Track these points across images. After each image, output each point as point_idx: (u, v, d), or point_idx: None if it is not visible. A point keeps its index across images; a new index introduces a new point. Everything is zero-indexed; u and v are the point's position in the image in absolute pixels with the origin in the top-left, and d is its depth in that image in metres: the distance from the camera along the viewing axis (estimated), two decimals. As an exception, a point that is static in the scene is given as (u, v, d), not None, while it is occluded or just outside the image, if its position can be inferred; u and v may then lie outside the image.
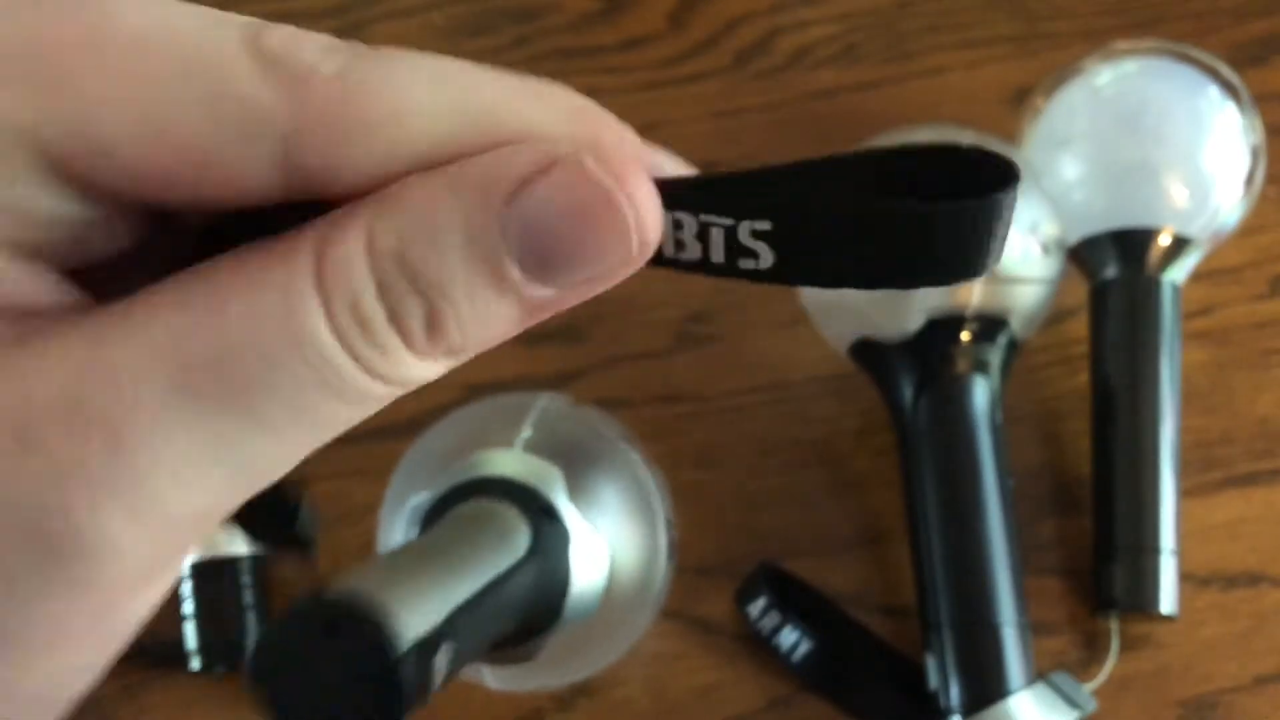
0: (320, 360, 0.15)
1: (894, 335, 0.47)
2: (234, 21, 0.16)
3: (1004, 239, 0.16)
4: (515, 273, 0.16)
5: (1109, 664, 0.48)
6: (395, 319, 0.16)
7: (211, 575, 0.48)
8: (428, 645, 0.32)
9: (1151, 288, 0.49)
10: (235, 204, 0.17)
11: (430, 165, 0.17)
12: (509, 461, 0.43)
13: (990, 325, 0.47)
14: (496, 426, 0.45)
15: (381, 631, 0.30)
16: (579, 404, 0.47)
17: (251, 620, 0.48)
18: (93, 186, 0.16)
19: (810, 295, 0.50)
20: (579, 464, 0.44)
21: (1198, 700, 0.48)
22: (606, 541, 0.43)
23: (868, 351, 0.49)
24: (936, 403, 0.47)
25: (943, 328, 0.47)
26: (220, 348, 0.15)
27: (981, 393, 0.47)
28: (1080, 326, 0.51)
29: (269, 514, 0.24)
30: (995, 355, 0.47)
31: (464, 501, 0.41)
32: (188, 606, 0.48)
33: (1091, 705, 0.46)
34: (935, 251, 0.16)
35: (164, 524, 0.15)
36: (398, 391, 0.17)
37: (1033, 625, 0.46)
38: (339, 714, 0.30)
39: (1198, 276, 0.51)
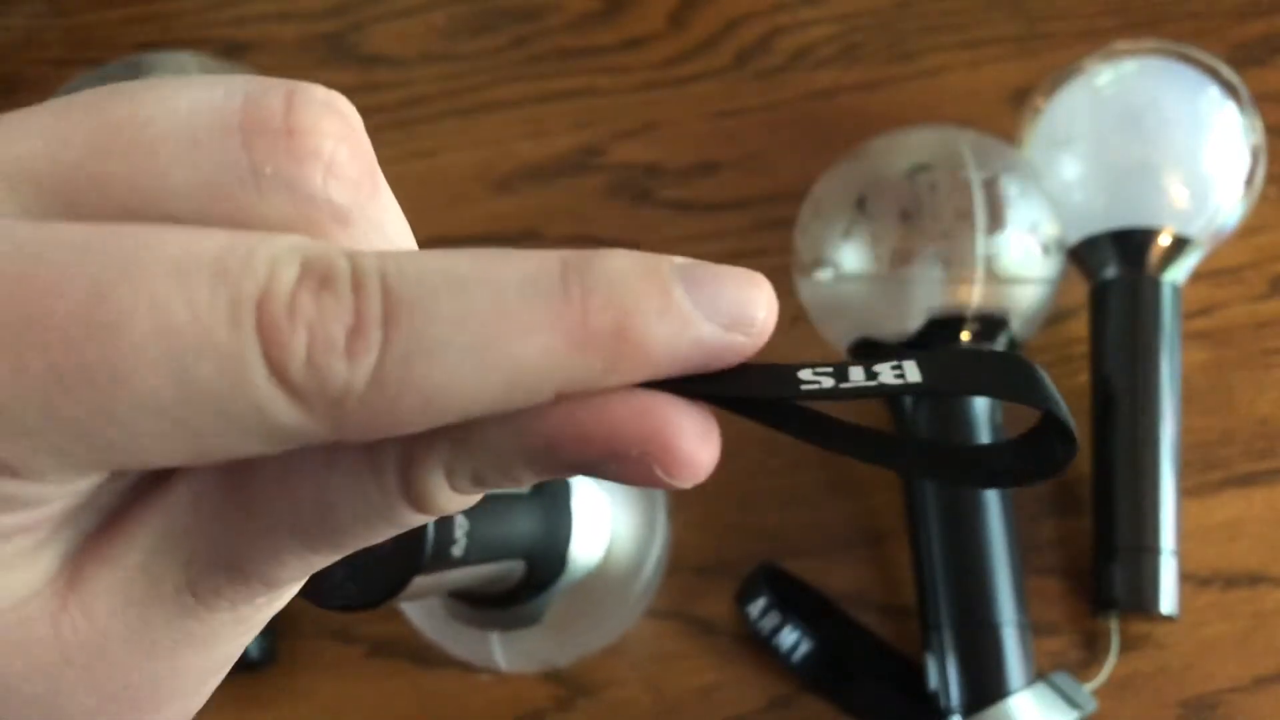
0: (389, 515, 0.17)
1: (894, 335, 0.47)
2: (251, 356, 0.14)
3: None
4: None
5: (1109, 664, 0.48)
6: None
7: (211, 575, 0.48)
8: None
9: (1151, 288, 0.49)
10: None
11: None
12: None
13: (990, 325, 0.47)
14: None
15: None
16: None
17: (251, 620, 0.48)
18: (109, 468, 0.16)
19: (810, 295, 0.50)
20: None
21: (1198, 700, 0.48)
22: (607, 501, 0.44)
23: (868, 351, 0.49)
24: (936, 403, 0.47)
25: (943, 328, 0.47)
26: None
27: (981, 393, 0.47)
28: (1080, 326, 0.51)
29: None
30: (995, 355, 0.47)
31: None
32: (188, 606, 0.48)
33: (1091, 705, 0.46)
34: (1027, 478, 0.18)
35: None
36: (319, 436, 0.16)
37: (1033, 625, 0.46)
38: (363, 569, 0.33)
39: (1198, 276, 0.51)
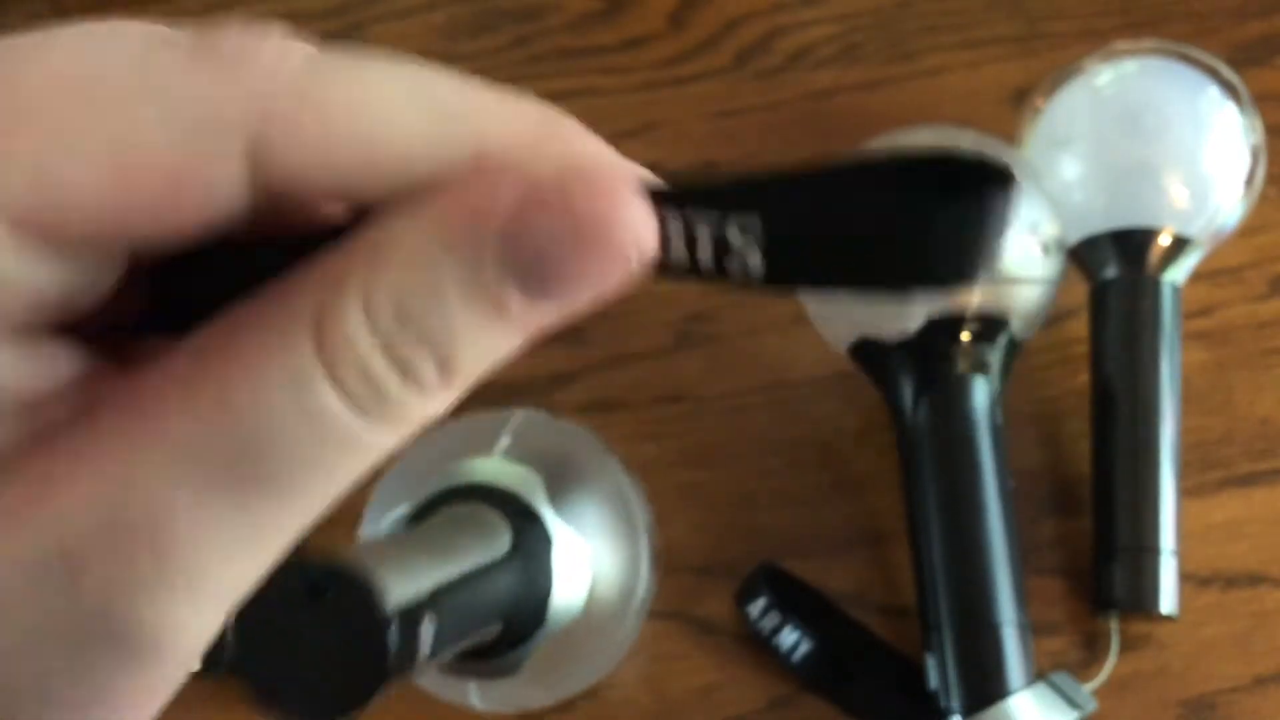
0: (338, 429, 0.16)
1: (894, 335, 0.47)
2: (181, 33, 0.16)
3: (998, 243, 0.16)
4: (517, 302, 0.16)
5: (1109, 664, 0.48)
6: (408, 373, 0.16)
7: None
8: (413, 613, 0.31)
9: (1151, 288, 0.49)
10: (209, 229, 0.16)
11: (403, 174, 0.16)
12: (489, 468, 0.43)
13: (990, 325, 0.47)
14: (475, 439, 0.44)
15: (369, 593, 0.30)
16: (558, 416, 0.47)
17: (251, 620, 0.48)
18: (63, 238, 0.16)
19: (810, 295, 0.50)
20: (559, 473, 0.44)
21: (1198, 700, 0.48)
22: (588, 548, 0.43)
23: (868, 351, 0.49)
24: (936, 403, 0.47)
25: (943, 328, 0.47)
26: (239, 444, 0.16)
27: (981, 393, 0.47)
28: (1080, 326, 0.51)
29: None
30: (995, 355, 0.47)
31: (444, 506, 0.41)
32: (188, 607, 0.48)
33: (1091, 705, 0.46)
34: (927, 249, 0.16)
35: (218, 599, 0.17)
36: (407, 435, 0.17)
37: (1033, 625, 0.46)
38: (322, 680, 0.30)
39: (1198, 276, 0.51)
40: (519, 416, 0.45)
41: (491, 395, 0.53)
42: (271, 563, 0.17)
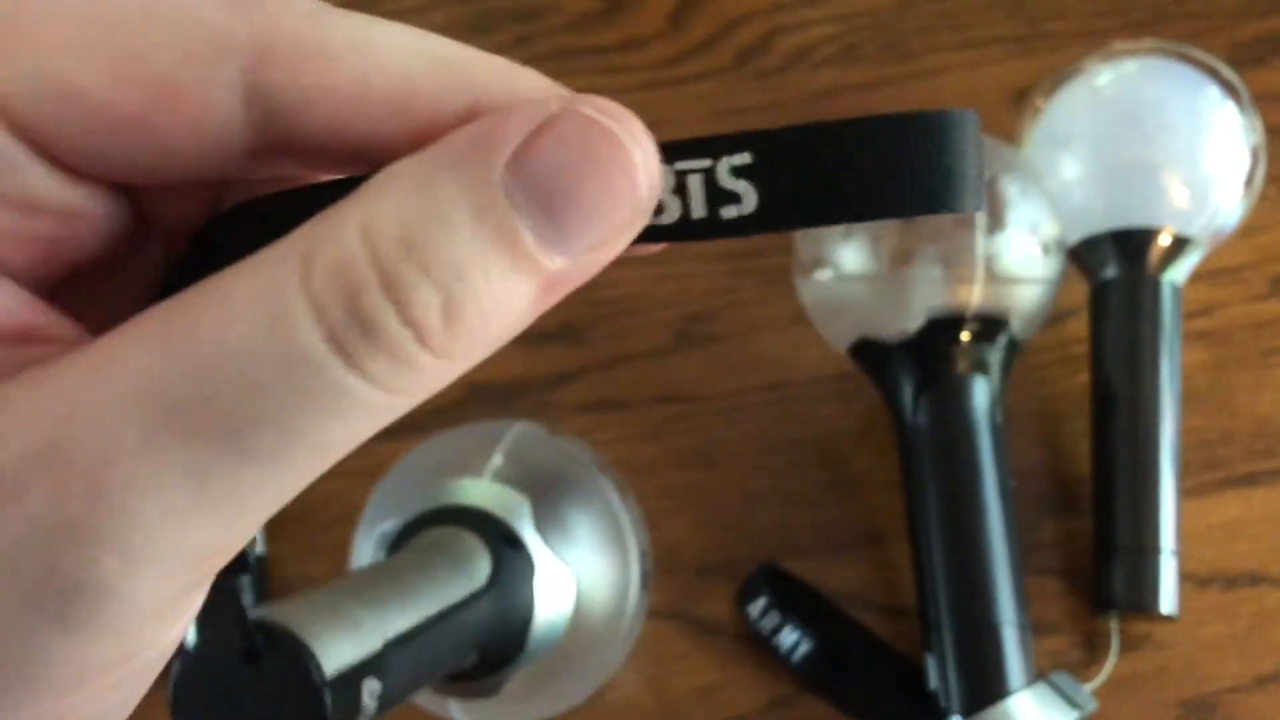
0: (314, 378, 0.14)
1: (894, 335, 0.47)
2: None
3: (979, 171, 0.17)
4: (529, 240, 0.15)
5: (1109, 664, 0.48)
6: (408, 312, 0.14)
7: (211, 575, 0.48)
8: (353, 675, 0.30)
9: (1151, 288, 0.49)
10: (206, 159, 0.16)
11: (401, 116, 0.16)
12: (476, 490, 0.43)
13: (990, 325, 0.47)
14: (470, 454, 0.44)
15: (305, 658, 0.29)
16: (555, 432, 0.47)
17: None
18: (64, 155, 0.16)
19: (810, 295, 0.50)
20: (550, 494, 0.44)
21: (1198, 700, 0.48)
22: (573, 573, 0.43)
23: (868, 351, 0.49)
24: (936, 403, 0.47)
25: (943, 328, 0.47)
26: (198, 379, 0.14)
27: (981, 393, 0.47)
28: (1080, 326, 0.51)
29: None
30: (995, 355, 0.47)
31: (428, 529, 0.41)
32: (188, 607, 0.48)
33: (1091, 705, 0.46)
34: (914, 169, 0.16)
35: (163, 565, 0.14)
36: (406, 403, 0.15)
37: (1033, 625, 0.46)
38: None
39: (1198, 276, 0.51)
40: (515, 431, 0.45)
41: (492, 395, 0.53)
42: (236, 536, 0.15)
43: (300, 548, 0.50)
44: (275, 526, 0.50)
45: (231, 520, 0.15)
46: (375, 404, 0.15)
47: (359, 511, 0.50)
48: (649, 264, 0.53)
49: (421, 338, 0.14)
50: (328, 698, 0.29)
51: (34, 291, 0.16)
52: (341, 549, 0.50)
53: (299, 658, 0.29)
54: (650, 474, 0.47)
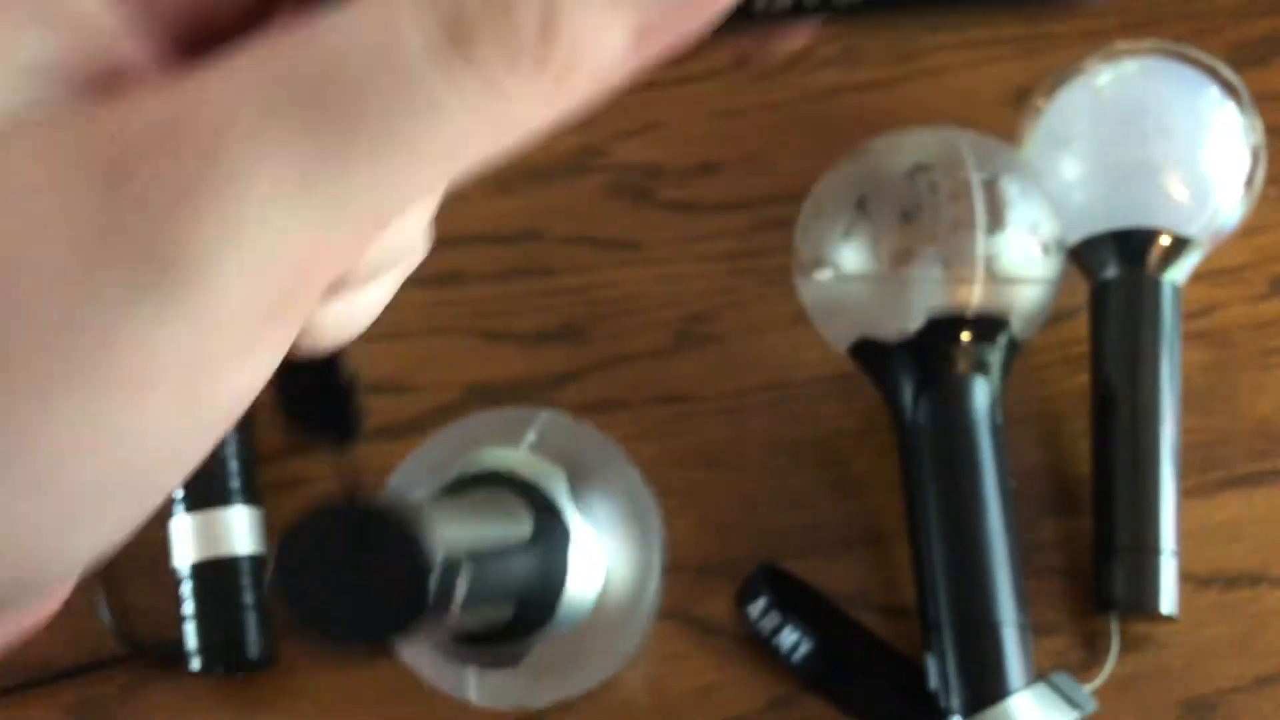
0: (414, 86, 0.14)
1: (894, 335, 0.47)
2: None
3: None
4: None
5: (1109, 664, 0.48)
6: (506, 19, 0.14)
7: (211, 575, 0.48)
8: (452, 561, 0.32)
9: (1151, 288, 0.49)
10: None
11: None
12: (515, 458, 0.43)
13: (990, 325, 0.47)
14: (500, 432, 0.45)
15: (417, 532, 0.31)
16: (579, 420, 0.47)
17: (251, 620, 0.48)
18: None
19: (810, 295, 0.50)
20: (581, 473, 0.44)
21: (1198, 700, 0.48)
22: (604, 549, 0.43)
23: (868, 351, 0.49)
24: (936, 403, 0.47)
25: (943, 328, 0.47)
26: (310, 70, 0.14)
27: (981, 393, 0.47)
28: (1080, 326, 0.51)
29: (317, 394, 0.23)
30: (995, 355, 0.47)
31: (472, 489, 0.42)
32: (188, 606, 0.48)
33: (1091, 705, 0.46)
34: None
35: (260, 249, 0.14)
36: (493, 134, 0.15)
37: (1033, 625, 0.46)
38: (363, 610, 0.31)
39: (1198, 276, 0.51)
40: (545, 416, 0.46)
41: (492, 395, 0.53)
42: (335, 243, 0.15)
43: (300, 548, 0.50)
44: (275, 526, 0.50)
45: (331, 220, 0.15)
46: (464, 126, 0.15)
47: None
48: (649, 264, 0.53)
49: (512, 55, 0.14)
50: (435, 572, 0.31)
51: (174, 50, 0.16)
52: (342, 549, 0.50)
53: (410, 535, 0.31)
54: (650, 474, 0.47)
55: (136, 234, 0.14)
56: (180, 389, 0.15)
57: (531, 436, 0.45)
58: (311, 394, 0.23)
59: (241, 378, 0.16)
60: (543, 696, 0.45)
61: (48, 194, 0.14)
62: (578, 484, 0.43)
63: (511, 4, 0.14)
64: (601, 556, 0.43)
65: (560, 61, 0.15)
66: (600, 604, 0.43)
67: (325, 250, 0.15)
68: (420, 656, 0.44)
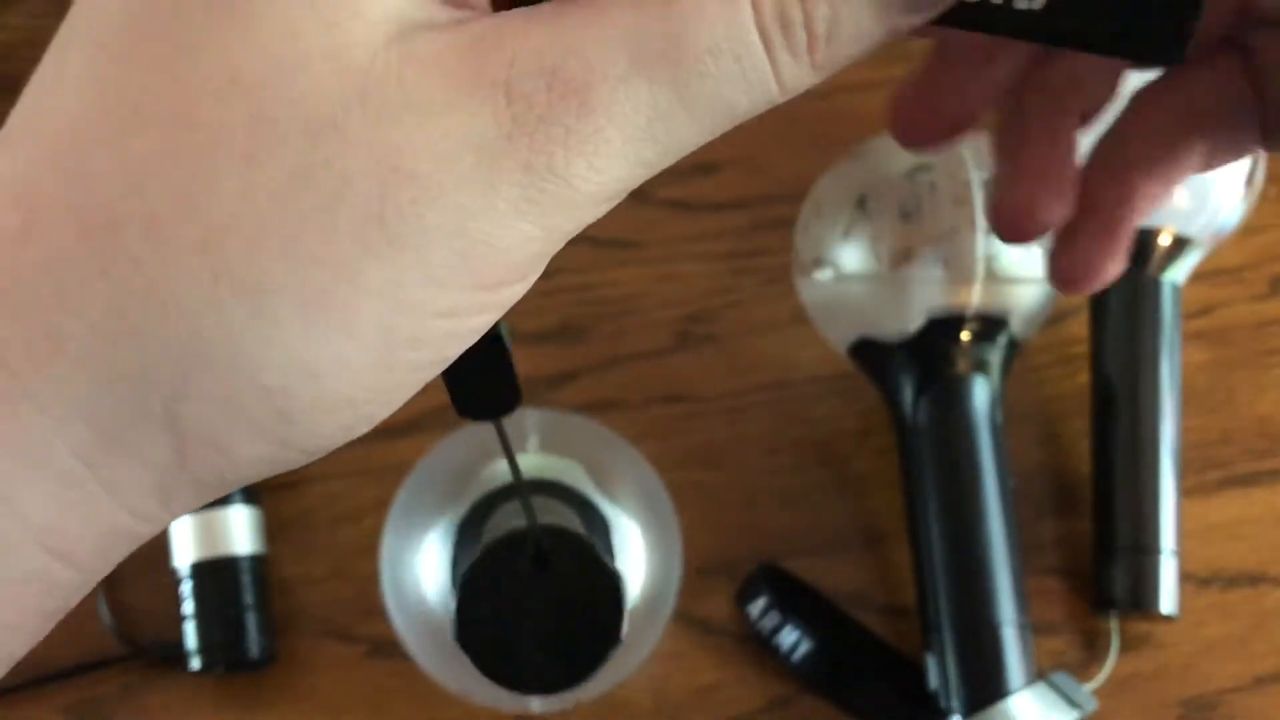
0: (747, 56, 0.18)
1: (894, 335, 0.47)
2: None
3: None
4: None
5: (1109, 664, 0.48)
6: (809, 22, 0.19)
7: (211, 575, 0.48)
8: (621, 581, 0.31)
9: (1151, 288, 0.49)
10: None
11: None
12: (529, 464, 0.43)
13: (990, 325, 0.47)
14: (494, 444, 0.44)
15: (598, 556, 0.30)
16: (570, 414, 0.47)
17: (251, 620, 0.48)
18: None
19: (810, 295, 0.50)
20: (595, 461, 0.43)
21: (1198, 700, 0.48)
22: (639, 530, 0.43)
23: (868, 351, 0.49)
24: (936, 403, 0.47)
25: (943, 328, 0.47)
26: (669, 36, 0.18)
27: (981, 393, 0.47)
28: (1080, 326, 0.51)
29: (479, 368, 0.23)
30: (995, 355, 0.47)
31: (502, 504, 0.41)
32: (188, 606, 0.48)
33: (1091, 705, 0.46)
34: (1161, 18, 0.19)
35: (615, 178, 0.19)
36: (778, 99, 0.20)
37: (1033, 625, 0.46)
38: (552, 650, 0.30)
39: (1198, 276, 0.51)
40: (536, 416, 0.45)
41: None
42: (638, 178, 0.19)
43: (300, 548, 0.50)
44: (275, 526, 0.50)
45: (647, 159, 0.19)
46: (768, 91, 0.19)
47: (359, 511, 0.50)
48: (649, 264, 0.53)
49: (810, 44, 0.19)
50: (623, 590, 0.30)
51: None
52: (342, 549, 0.50)
53: (593, 557, 0.30)
54: (650, 474, 0.47)
55: (529, 158, 0.18)
56: (553, 245, 0.19)
57: (535, 438, 0.44)
58: (473, 368, 0.23)
59: (500, 298, 0.19)
60: (554, 702, 0.45)
61: (454, 111, 0.17)
62: (595, 472, 0.43)
63: (812, 12, 0.19)
64: (639, 538, 0.43)
65: (830, 52, 0.20)
66: (644, 584, 0.43)
67: (636, 178, 0.19)
68: (424, 654, 0.44)
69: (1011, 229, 0.26)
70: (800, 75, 0.20)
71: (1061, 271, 0.27)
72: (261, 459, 0.18)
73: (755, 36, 0.18)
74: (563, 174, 0.18)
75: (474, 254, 0.18)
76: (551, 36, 0.18)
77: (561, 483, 0.42)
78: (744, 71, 0.18)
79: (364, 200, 0.17)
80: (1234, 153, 0.26)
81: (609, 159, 0.18)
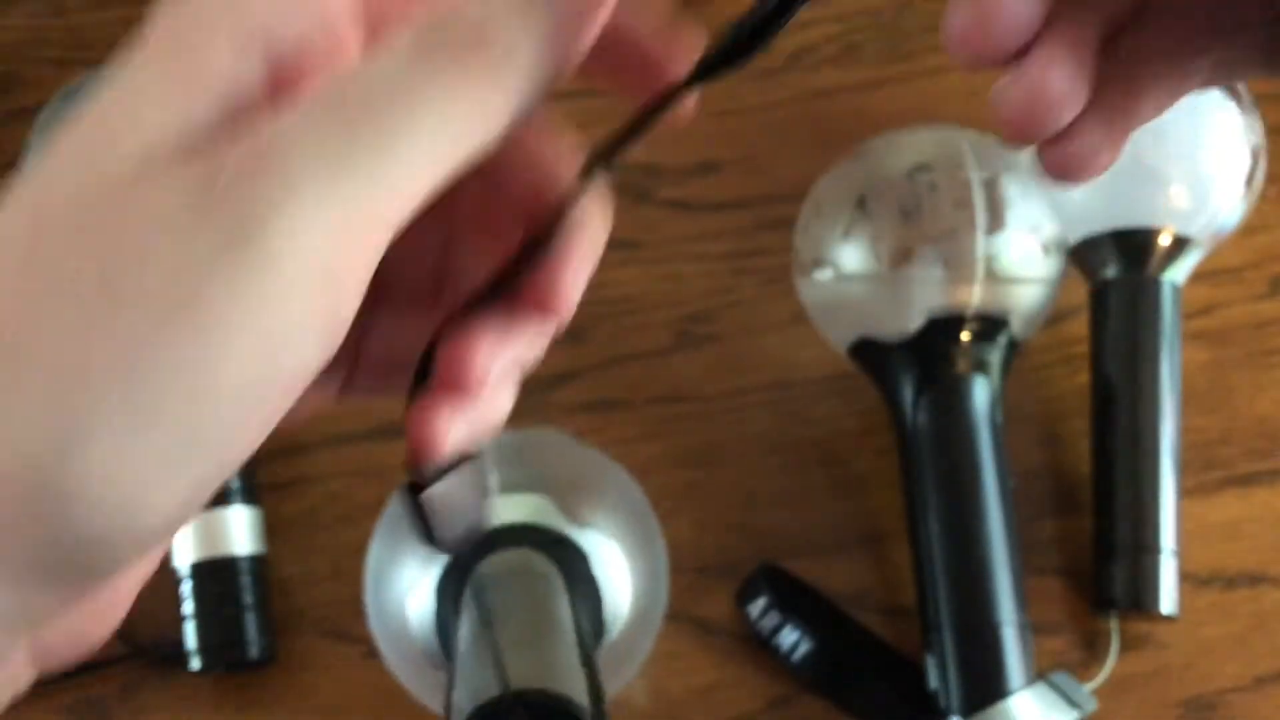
0: (396, 83, 0.19)
1: (894, 335, 0.47)
2: None
3: None
4: None
5: (1109, 664, 0.48)
6: (452, 31, 0.20)
7: (211, 575, 0.48)
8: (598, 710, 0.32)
9: (1151, 288, 0.49)
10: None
11: None
12: (495, 509, 0.42)
13: (990, 325, 0.47)
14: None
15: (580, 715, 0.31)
16: (523, 431, 0.46)
17: (251, 620, 0.48)
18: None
19: (810, 295, 0.50)
20: (564, 488, 0.43)
21: (1198, 700, 0.48)
22: (618, 549, 0.43)
23: (868, 351, 0.49)
24: (936, 403, 0.47)
25: (943, 328, 0.47)
26: (335, 90, 0.19)
27: (981, 393, 0.47)
28: (1080, 326, 0.51)
29: (454, 496, 0.24)
30: (995, 355, 0.47)
31: (480, 562, 0.40)
32: (188, 606, 0.48)
33: (1091, 705, 0.46)
34: None
35: (308, 227, 0.18)
36: (463, 114, 0.20)
37: (1033, 625, 0.46)
38: None
39: (1198, 276, 0.51)
40: (491, 449, 0.45)
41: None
42: (378, 200, 0.19)
43: (300, 548, 0.50)
44: (275, 526, 0.50)
45: (353, 197, 0.18)
46: (437, 115, 0.19)
47: (359, 511, 0.50)
48: (649, 264, 0.53)
49: (461, 59, 0.19)
50: None
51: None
52: (341, 549, 0.50)
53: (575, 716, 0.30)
54: (650, 474, 0.47)
55: (219, 216, 0.18)
56: (255, 342, 0.18)
57: (493, 476, 0.44)
58: (449, 496, 0.23)
59: (305, 344, 0.19)
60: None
61: (158, 197, 0.18)
62: (567, 499, 0.43)
63: (449, 21, 0.19)
64: (619, 556, 0.43)
65: (492, 55, 0.20)
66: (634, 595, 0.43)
67: (354, 222, 0.19)
68: (418, 682, 0.44)
69: (1027, 123, 0.26)
70: (479, 81, 0.20)
71: (1055, 157, 0.27)
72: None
73: (401, 67, 0.19)
74: (256, 231, 0.18)
75: (199, 322, 0.19)
76: (262, 128, 0.19)
77: (530, 524, 0.41)
78: (407, 101, 0.19)
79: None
80: (1237, 72, 0.26)
81: (292, 213, 0.19)
